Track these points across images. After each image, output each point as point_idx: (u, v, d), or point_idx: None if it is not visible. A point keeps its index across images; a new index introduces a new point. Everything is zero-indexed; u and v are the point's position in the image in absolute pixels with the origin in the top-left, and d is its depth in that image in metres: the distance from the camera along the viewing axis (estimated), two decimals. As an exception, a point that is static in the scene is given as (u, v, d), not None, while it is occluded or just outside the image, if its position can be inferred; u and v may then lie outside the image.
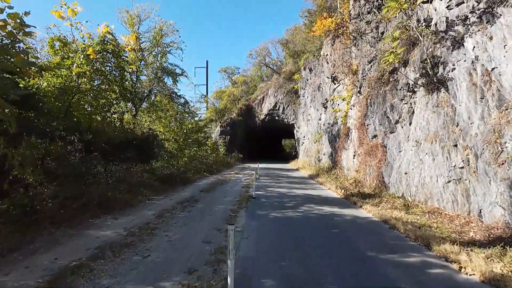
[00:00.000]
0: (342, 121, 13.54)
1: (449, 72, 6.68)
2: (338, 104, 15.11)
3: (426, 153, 6.86)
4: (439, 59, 7.05)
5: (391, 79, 9.17)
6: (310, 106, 23.61)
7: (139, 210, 5.98)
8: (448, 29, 7.17)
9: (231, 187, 10.20)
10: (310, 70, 23.73)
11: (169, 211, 5.92)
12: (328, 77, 16.24)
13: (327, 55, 16.30)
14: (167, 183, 9.60)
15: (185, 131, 13.93)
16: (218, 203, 6.96)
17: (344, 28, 13.51)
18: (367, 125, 10.19)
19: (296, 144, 32.12)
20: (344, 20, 13.05)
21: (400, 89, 8.45)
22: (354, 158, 11.47)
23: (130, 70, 12.17)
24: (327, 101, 17.16)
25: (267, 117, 32.50)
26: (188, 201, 7.08)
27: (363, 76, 11.03)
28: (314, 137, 21.67)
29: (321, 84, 18.31)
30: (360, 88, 11.24)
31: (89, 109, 7.32)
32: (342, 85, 14.87)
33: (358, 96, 11.42)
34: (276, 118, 32.17)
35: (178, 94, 14.00)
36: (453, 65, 6.57)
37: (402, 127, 8.26)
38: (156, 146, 8.57)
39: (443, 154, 6.30)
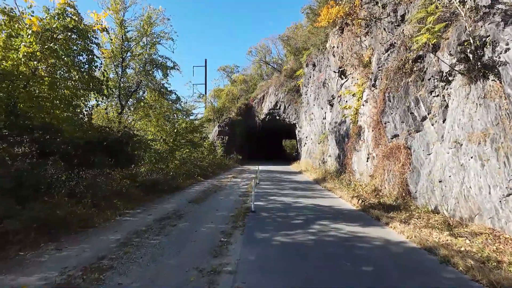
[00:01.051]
0: (351, 119, 12.10)
1: (500, 54, 5.24)
2: (346, 101, 13.68)
3: (471, 157, 5.41)
4: (483, 39, 5.62)
5: (415, 69, 7.73)
6: (314, 105, 22.18)
7: (100, 233, 4.52)
8: (495, 2, 5.76)
9: (226, 195, 8.75)
10: (314, 66, 22.32)
11: (139, 235, 4.47)
12: (335, 71, 14.81)
13: (333, 47, 14.87)
14: (152, 191, 8.16)
15: (176, 130, 12.47)
16: (207, 221, 5.51)
17: (354, 15, 12.09)
18: (385, 123, 8.76)
19: (298, 145, 30.68)
20: (355, 5, 11.62)
21: (429, 79, 7.00)
22: (367, 161, 10.03)
23: (112, 60, 10.72)
24: (333, 98, 15.72)
25: (268, 117, 31.07)
26: (169, 218, 5.63)
27: (379, 67, 9.60)
28: (318, 138, 20.23)
29: (326, 80, 16.89)
30: (374, 81, 9.81)
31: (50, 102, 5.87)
32: (351, 80, 13.44)
33: (372, 91, 9.99)
34: (277, 117, 30.74)
35: (169, 89, 12.56)
36: (507, 45, 5.13)
37: (432, 125, 6.81)
38: (134, 148, 7.15)
39: (498, 158, 4.86)
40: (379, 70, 9.58)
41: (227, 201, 7.80)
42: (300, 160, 27.89)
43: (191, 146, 16.28)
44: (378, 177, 8.84)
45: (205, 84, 51.21)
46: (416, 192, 6.97)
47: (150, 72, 12.34)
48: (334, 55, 14.83)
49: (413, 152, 7.37)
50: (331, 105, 16.25)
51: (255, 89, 35.78)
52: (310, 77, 24.09)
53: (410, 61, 7.85)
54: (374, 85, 9.89)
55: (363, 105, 10.90)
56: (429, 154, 6.85)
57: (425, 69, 7.40)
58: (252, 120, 31.60)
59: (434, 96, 6.88)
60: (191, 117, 18.75)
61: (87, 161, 6.04)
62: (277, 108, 30.52)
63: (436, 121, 6.70)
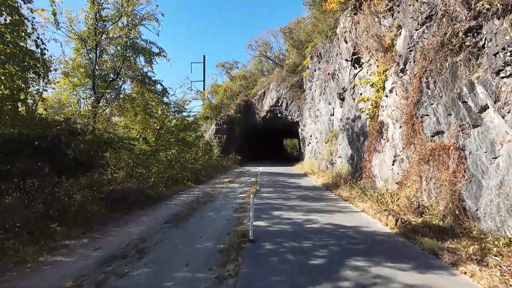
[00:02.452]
0: (369, 113, 10.17)
1: None
2: (361, 93, 11.74)
3: None
4: None
5: (467, 43, 5.79)
6: (319, 100, 20.25)
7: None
8: None
9: (218, 209, 6.83)
10: (319, 58, 20.38)
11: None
12: (347, 60, 12.86)
13: (345, 32, 12.92)
14: (121, 205, 6.24)
15: (159, 127, 10.53)
16: (180, 263, 3.58)
17: (373, -10, 10.14)
18: (422, 117, 6.83)
19: (301, 144, 28.75)
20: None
21: (495, 55, 5.06)
22: (394, 164, 8.11)
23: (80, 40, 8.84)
24: (344, 91, 13.78)
25: (269, 114, 29.14)
26: (124, 256, 3.71)
27: (410, 47, 7.65)
28: (325, 137, 18.30)
29: (335, 71, 14.94)
30: (404, 65, 7.86)
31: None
32: (367, 69, 11.51)
33: (401, 77, 8.05)
34: (279, 115, 28.81)
35: (154, 79, 10.61)
36: None
37: (503, 117, 4.88)
38: (94, 148, 5.24)
39: None
40: (411, 50, 7.63)
41: (217, 219, 5.87)
42: (304, 160, 25.97)
43: (183, 146, 14.41)
44: (412, 186, 6.91)
45: (204, 81, 49.29)
46: (477, 210, 5.04)
47: (132, 59, 10.39)
48: (346, 41, 12.87)
49: (468, 154, 5.43)
50: (342, 99, 14.31)
51: (255, 85, 33.83)
52: (315, 70, 22.16)
53: (459, 34, 5.91)
54: (403, 70, 7.95)
55: (387, 96, 8.96)
56: (495, 158, 4.92)
57: (483, 42, 5.47)
58: (252, 118, 29.68)
59: (503, 77, 4.94)
60: (185, 114, 16.76)
61: (12, 166, 4.11)
62: (279, 105, 28.59)
63: (509, 111, 4.77)
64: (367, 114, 10.69)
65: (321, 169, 17.16)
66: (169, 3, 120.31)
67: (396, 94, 8.22)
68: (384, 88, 9.45)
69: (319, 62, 20.79)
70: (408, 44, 7.75)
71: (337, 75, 14.66)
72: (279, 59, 34.60)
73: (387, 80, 9.20)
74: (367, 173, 9.85)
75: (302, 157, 27.77)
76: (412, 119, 7.11)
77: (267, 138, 38.97)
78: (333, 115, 17.14)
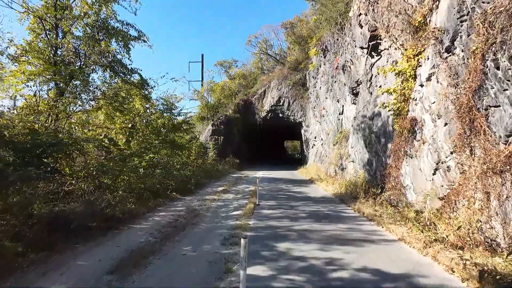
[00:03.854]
0: (394, 109, 8.22)
1: None
2: (380, 86, 9.82)
3: None
4: None
5: None
6: (326, 98, 18.33)
7: None
8: None
9: (199, 241, 4.81)
10: (325, 51, 18.49)
11: None
12: (362, 47, 10.93)
13: (360, 14, 10.99)
14: (57, 236, 4.28)
15: (132, 125, 8.55)
16: None
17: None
18: (486, 109, 4.86)
19: (304, 146, 26.80)
20: None
21: None
22: (435, 173, 6.13)
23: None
24: (358, 85, 11.84)
25: (270, 114, 27.22)
26: None
27: (461, 16, 5.70)
28: (332, 138, 16.35)
29: (347, 63, 13.00)
30: (452, 41, 5.90)
31: None
32: (387, 57, 9.59)
33: (445, 58, 6.10)
34: (280, 115, 26.90)
35: (130, 67, 8.67)
36: None
37: None
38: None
39: None
40: (462, 21, 5.68)
41: (194, 262, 3.89)
42: (307, 164, 23.98)
43: (172, 148, 12.47)
44: (470, 205, 4.93)
45: (202, 80, 47.42)
46: None
47: (102, 43, 8.45)
48: (361, 26, 10.94)
49: None
50: (355, 94, 12.36)
51: (255, 84, 31.92)
52: (320, 66, 20.27)
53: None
54: (449, 49, 6.00)
55: (422, 86, 7.00)
56: None
57: None
58: (251, 118, 27.76)
59: None
60: (176, 112, 14.77)
61: None
62: (280, 104, 26.69)
63: None
64: (389, 111, 8.74)
65: (329, 174, 15.19)
66: (168, 2, 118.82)
67: (438, 82, 6.26)
68: (415, 77, 7.50)
69: (325, 56, 18.90)
70: (457, 13, 5.79)
71: (349, 67, 12.72)
72: (280, 56, 32.74)
73: (421, 65, 7.25)
74: (393, 183, 7.87)
75: (306, 160, 25.80)
76: (470, 113, 5.14)
77: (268, 140, 37.04)
78: (342, 113, 15.21)
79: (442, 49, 6.14)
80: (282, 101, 26.64)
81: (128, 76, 8.59)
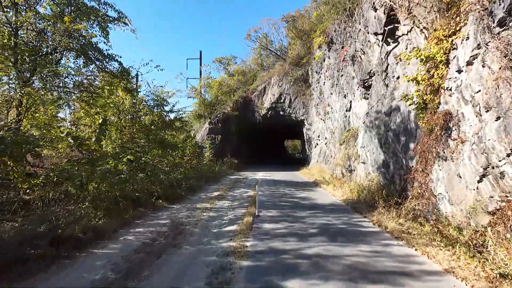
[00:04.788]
0: (419, 101, 6.92)
1: None
2: (398, 77, 8.53)
3: None
4: None
5: None
6: (331, 94, 17.02)
7: None
8: None
9: (174, 279, 3.45)
10: (330, 44, 17.16)
11: None
12: (376, 34, 9.61)
13: (374, -4, 9.67)
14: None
15: (101, 120, 7.18)
16: None
17: None
18: None
19: (306, 145, 25.50)
20: None
21: None
22: (482, 181, 4.83)
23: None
24: (371, 77, 10.53)
25: (270, 112, 25.92)
26: None
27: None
28: (338, 137, 15.06)
29: (357, 53, 11.68)
30: (509, 12, 4.59)
31: None
32: (407, 42, 8.30)
33: (497, 36, 4.78)
34: (281, 113, 25.60)
35: (107, 53, 7.34)
36: None
37: None
38: None
39: None
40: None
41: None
42: (310, 164, 22.70)
43: (160, 148, 11.18)
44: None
45: (200, 78, 46.10)
46: None
47: (70, 21, 7.11)
48: (375, 8, 9.62)
49: None
50: (366, 88, 11.05)
51: (255, 80, 30.58)
52: (325, 59, 18.94)
53: None
54: (503, 22, 4.69)
55: (459, 72, 5.69)
56: None
57: None
58: (251, 116, 26.45)
59: None
60: (172, 110, 13.44)
61: None
62: (281, 101, 25.39)
63: None
64: (410, 104, 7.45)
65: (335, 176, 13.90)
66: (167, 1, 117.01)
67: (485, 65, 4.95)
68: (448, 62, 6.20)
69: (329, 49, 17.58)
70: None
71: (359, 58, 11.41)
72: (281, 51, 31.40)
73: (455, 48, 5.95)
74: (419, 190, 6.58)
75: (308, 160, 24.52)
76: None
77: (268, 139, 35.74)
78: (349, 110, 13.91)
79: (493, 23, 4.83)
80: (283, 98, 25.34)
81: (105, 64, 7.25)
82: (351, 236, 5.36)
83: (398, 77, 8.64)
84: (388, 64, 9.14)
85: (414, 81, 6.81)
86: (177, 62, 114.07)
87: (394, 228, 5.72)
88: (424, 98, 6.74)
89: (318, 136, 21.10)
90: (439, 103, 6.29)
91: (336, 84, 15.78)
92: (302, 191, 11.14)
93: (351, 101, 13.59)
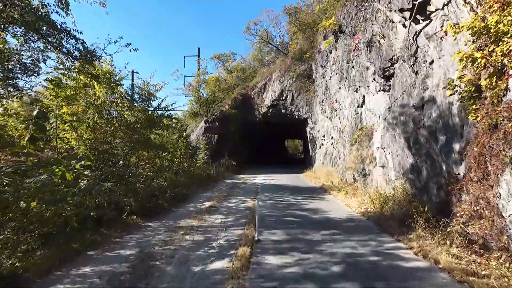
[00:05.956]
0: (468, 89, 5.24)
1: None
2: (432, 61, 6.84)
3: None
4: None
5: None
6: (339, 88, 15.35)
7: None
8: None
9: None
10: (338, 34, 15.48)
11: None
12: (403, 9, 7.91)
13: (398, -35, 7.98)
14: None
15: (35, 112, 5.50)
16: None
17: None
18: None
19: (310, 146, 23.82)
20: None
21: None
22: None
23: None
24: (393, 64, 8.83)
25: (271, 110, 24.26)
26: None
27: None
28: (349, 136, 13.37)
29: (375, 37, 9.98)
30: None
31: None
32: (443, 18, 6.62)
33: None
34: (283, 111, 23.93)
35: (61, 27, 5.64)
36: None
37: None
38: None
39: None
40: None
41: None
42: (315, 166, 21.02)
43: (144, 149, 9.54)
44: None
45: (198, 75, 44.39)
46: None
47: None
48: (400, -21, 7.93)
49: None
50: (386, 77, 9.36)
51: (255, 77, 28.89)
52: (331, 51, 17.27)
53: None
54: None
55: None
56: None
57: None
58: (250, 114, 24.77)
59: None
60: (159, 106, 11.71)
61: None
62: (283, 98, 23.72)
63: None
64: (451, 94, 5.81)
65: (346, 181, 12.24)
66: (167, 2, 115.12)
67: None
68: (518, 33, 4.51)
69: (337, 40, 15.92)
70: None
71: (378, 43, 9.71)
72: (282, 45, 29.70)
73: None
74: (475, 207, 4.88)
75: (312, 162, 22.83)
76: None
77: (268, 138, 34.04)
78: (362, 105, 12.22)
79: None
80: (284, 95, 23.67)
81: (57, 38, 5.55)
82: (393, 278, 3.68)
83: (431, 62, 6.96)
84: (417, 47, 7.45)
85: (467, 61, 5.10)
86: (176, 61, 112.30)
87: (449, 264, 4.04)
88: (480, 84, 5.06)
89: (323, 136, 19.43)
90: (506, 89, 4.61)
91: (346, 78, 14.11)
92: (310, 200, 9.45)
93: (364, 95, 11.91)
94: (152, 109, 11.03)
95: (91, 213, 4.67)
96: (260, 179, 15.83)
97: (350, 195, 9.97)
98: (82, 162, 4.58)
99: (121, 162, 8.18)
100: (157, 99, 11.22)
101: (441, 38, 6.69)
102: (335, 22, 14.85)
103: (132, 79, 14.25)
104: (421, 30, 7.40)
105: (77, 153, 7.20)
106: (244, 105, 24.57)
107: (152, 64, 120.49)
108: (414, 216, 5.54)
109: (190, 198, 9.12)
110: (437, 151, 6.34)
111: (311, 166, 22.17)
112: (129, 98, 10.19)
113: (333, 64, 16.84)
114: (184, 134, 15.74)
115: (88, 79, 6.39)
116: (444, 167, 6.07)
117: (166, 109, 10.99)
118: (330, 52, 17.42)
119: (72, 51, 5.73)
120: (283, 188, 12.47)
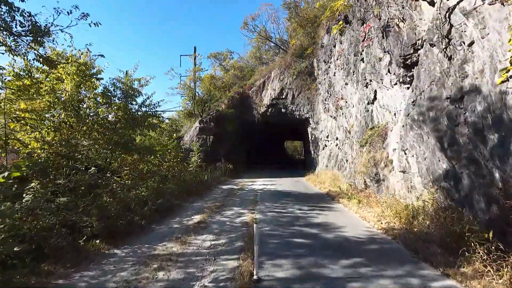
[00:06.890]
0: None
1: None
2: (470, 43, 5.47)
3: None
4: None
5: None
6: (346, 84, 14.01)
7: None
8: None
9: None
10: (344, 25, 14.13)
11: None
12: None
13: None
14: None
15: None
16: None
17: None
18: None
19: (312, 147, 22.44)
20: None
21: None
22: None
23: None
24: (416, 50, 7.46)
25: (270, 109, 22.89)
26: None
27: None
28: (358, 136, 12.00)
29: (392, 21, 8.61)
30: None
31: None
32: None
33: None
34: (283, 110, 22.59)
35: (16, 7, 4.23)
36: None
37: None
38: None
39: None
40: None
41: None
42: (317, 169, 19.65)
43: (124, 152, 8.13)
44: None
45: (194, 74, 42.92)
46: None
47: None
48: None
49: None
50: (407, 66, 7.98)
51: (253, 75, 27.52)
52: (335, 45, 15.98)
53: None
54: None
55: None
56: None
57: None
58: (248, 114, 23.38)
59: None
60: (138, 100, 10.26)
61: None
62: (283, 97, 22.37)
63: None
64: (502, 81, 4.45)
65: (355, 187, 10.85)
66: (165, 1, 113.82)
67: None
68: None
69: (341, 33, 14.58)
70: None
71: (396, 27, 8.35)
72: (281, 42, 28.38)
73: None
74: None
75: (314, 164, 21.46)
76: None
77: (268, 139, 32.64)
78: (373, 102, 10.86)
79: None
80: (284, 94, 22.32)
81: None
82: None
83: (471, 43, 5.60)
84: (451, 26, 6.10)
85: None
86: (175, 62, 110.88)
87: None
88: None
89: (327, 137, 18.08)
90: None
91: (353, 72, 12.77)
92: (318, 212, 8.04)
93: (375, 91, 10.56)
94: (136, 106, 9.67)
95: (19, 245, 3.25)
96: (260, 183, 14.43)
97: (364, 204, 8.59)
98: (5, 174, 3.16)
99: (93, 168, 6.73)
100: (142, 95, 9.84)
101: (484, 13, 5.34)
102: (346, 4, 13.41)
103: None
104: (455, 6, 6.05)
105: (41, 158, 5.80)
106: (242, 104, 23.19)
107: (152, 63, 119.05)
108: (468, 241, 4.14)
109: (176, 211, 7.67)
110: (485, 153, 4.97)
111: (313, 168, 20.80)
112: (110, 94, 8.79)
113: (337, 59, 15.52)
114: (175, 135, 14.30)
115: (41, 63, 5.02)
116: (497, 175, 4.70)
117: (151, 106, 9.57)
118: (334, 46, 16.11)
119: (10, 24, 4.31)
120: (285, 195, 11.06)
